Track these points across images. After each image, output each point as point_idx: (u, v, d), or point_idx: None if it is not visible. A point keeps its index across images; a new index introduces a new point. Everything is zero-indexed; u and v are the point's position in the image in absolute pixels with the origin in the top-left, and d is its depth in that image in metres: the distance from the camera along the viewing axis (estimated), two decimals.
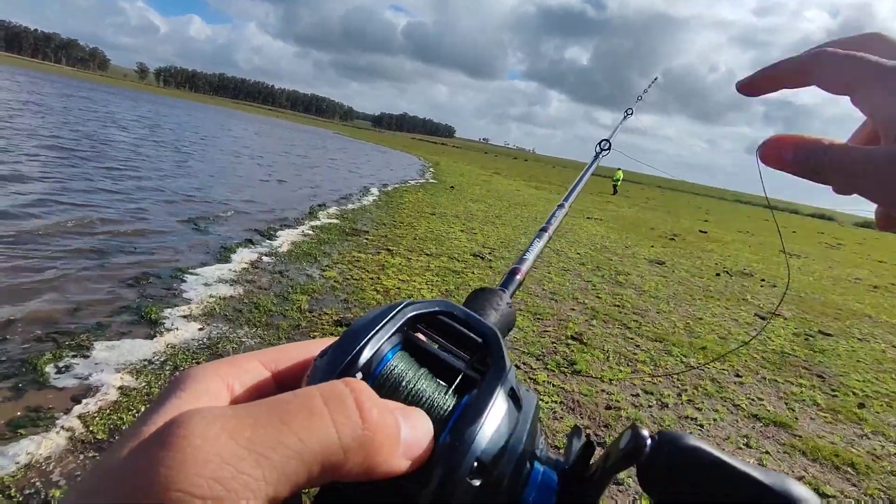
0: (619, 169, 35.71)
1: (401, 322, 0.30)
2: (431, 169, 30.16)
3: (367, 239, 7.29)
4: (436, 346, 0.32)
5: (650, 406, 3.49)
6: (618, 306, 5.90)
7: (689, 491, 0.25)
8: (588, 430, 3.01)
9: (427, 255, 6.83)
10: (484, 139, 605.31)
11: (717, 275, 9.17)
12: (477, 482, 0.24)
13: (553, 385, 3.54)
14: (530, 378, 3.59)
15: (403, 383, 0.28)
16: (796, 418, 3.66)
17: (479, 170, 37.86)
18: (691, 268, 9.48)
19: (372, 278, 5.34)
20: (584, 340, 4.51)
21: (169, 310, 3.78)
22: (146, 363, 3.06)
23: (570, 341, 4.45)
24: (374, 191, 14.14)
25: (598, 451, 0.28)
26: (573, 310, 5.45)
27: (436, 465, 0.24)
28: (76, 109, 23.20)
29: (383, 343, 0.29)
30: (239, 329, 3.66)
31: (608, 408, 3.34)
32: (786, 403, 3.91)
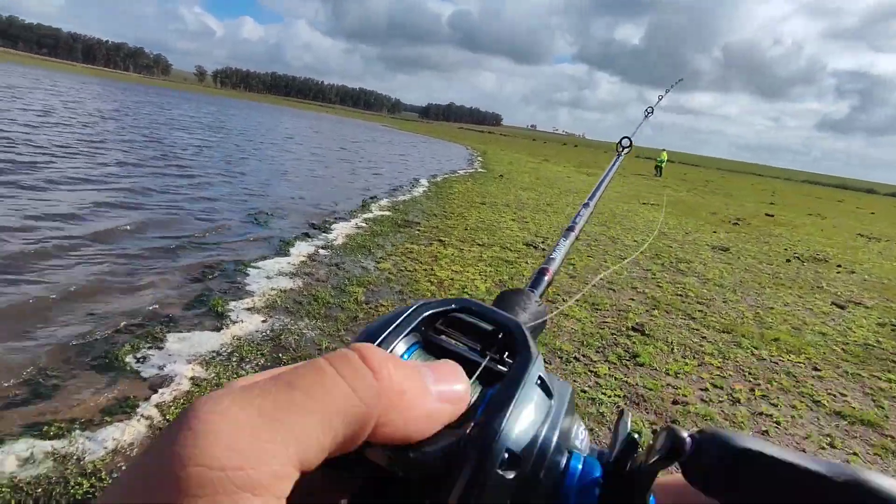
0: (664, 150, 34.35)
1: (416, 321, 0.29)
2: (479, 158, 29.99)
3: (418, 230, 7.32)
4: (456, 344, 0.31)
5: (720, 401, 3.31)
6: (680, 295, 5.65)
7: (743, 491, 0.24)
8: (654, 426, 2.89)
9: (479, 245, 6.79)
10: (531, 126, 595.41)
11: (788, 261, 8.61)
12: (511, 475, 0.23)
13: (615, 378, 3.42)
14: (591, 371, 3.49)
15: None
16: (887, 416, 3.37)
17: (527, 157, 37.30)
18: (758, 254, 8.95)
19: (425, 269, 5.35)
20: (646, 332, 4.33)
21: (234, 302, 3.93)
22: (214, 354, 3.20)
23: (631, 333, 4.30)
24: (424, 182, 14.20)
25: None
26: (633, 300, 5.26)
27: (464, 459, 0.22)
28: (143, 114, 24.58)
29: (398, 343, 0.28)
30: (300, 321, 3.76)
31: (675, 402, 3.20)
32: (873, 400, 3.61)
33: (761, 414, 3.20)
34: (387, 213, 8.50)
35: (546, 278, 0.59)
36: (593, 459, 0.27)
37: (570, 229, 0.75)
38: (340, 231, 6.69)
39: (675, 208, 14.81)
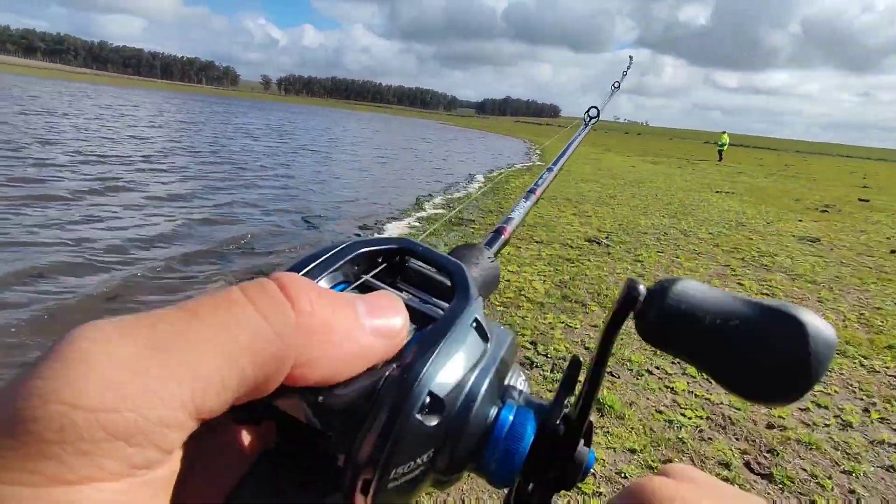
0: (725, 132, 32.14)
1: (347, 257, 0.27)
2: (537, 151, 29.25)
3: (473, 228, 7.04)
4: (391, 288, 0.28)
5: (826, 425, 2.81)
6: (766, 294, 5.03)
7: (693, 328, 0.24)
8: (746, 456, 2.46)
9: (537, 242, 6.42)
10: None
11: (893, 252, 7.59)
12: (432, 421, 0.21)
13: (696, 396, 2.99)
14: (666, 387, 3.08)
15: None
16: None
17: (587, 148, 35.96)
18: (855, 244, 7.96)
19: None
20: None
21: None
22: None
23: None
24: (479, 177, 13.90)
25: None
26: None
27: (380, 402, 0.20)
28: (216, 123, 25.89)
29: (324, 277, 0.25)
30: None
31: (770, 427, 2.73)
32: None
33: (882, 443, 2.67)
34: (441, 210, 8.29)
35: (503, 237, 0.58)
36: (527, 410, 0.26)
37: (532, 191, 0.75)
38: (393, 231, 6.55)
39: (753, 196, 13.64)
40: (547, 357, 3.36)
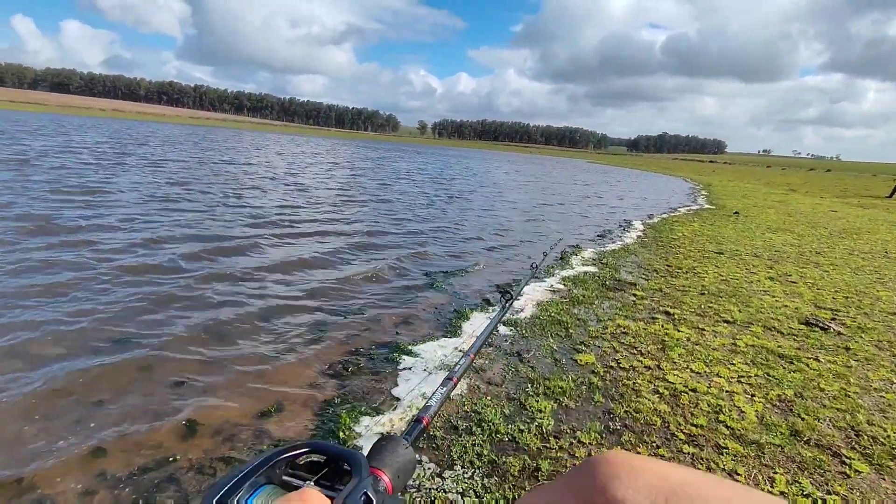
0: None
1: (264, 467, 0.39)
2: (703, 191, 25.81)
3: (634, 295, 5.51)
4: (306, 482, 0.41)
5: None
6: None
7: None
8: None
9: (727, 322, 4.68)
10: (764, 151, 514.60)
11: None
12: None
13: None
14: None
15: None
16: None
17: (765, 188, 31.07)
18: None
19: (649, 368, 3.59)
20: None
21: (367, 420, 2.83)
22: None
23: None
24: (637, 224, 12.03)
25: None
26: None
27: None
28: (375, 168, 27.45)
29: (242, 490, 0.37)
30: (448, 470, 2.44)
31: None
32: None
33: None
34: (591, 268, 6.85)
35: (421, 426, 0.62)
36: None
37: (449, 378, 0.75)
38: (530, 297, 5.31)
39: None
40: None
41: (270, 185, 14.14)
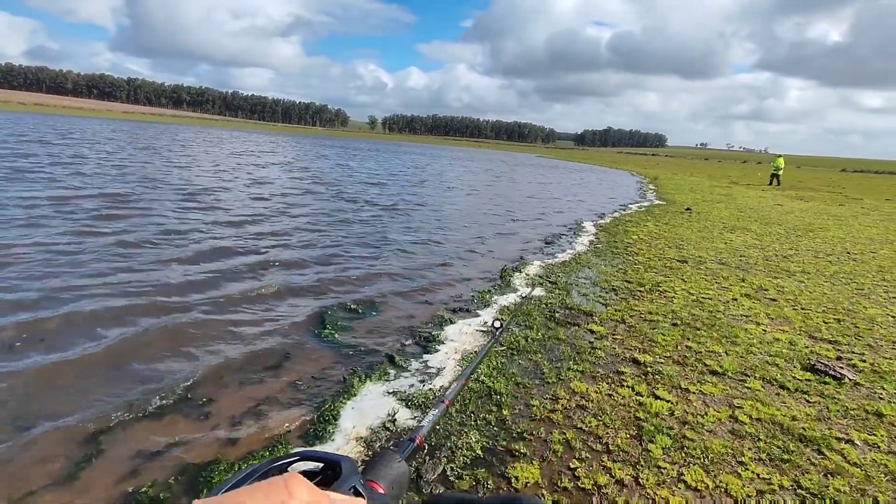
0: (780, 156, 28.55)
1: (262, 471, 0.42)
2: (651, 186, 25.43)
3: (591, 331, 4.26)
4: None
5: None
6: None
7: None
8: None
9: (716, 373, 3.50)
10: (701, 144, 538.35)
11: None
12: None
13: None
14: None
15: None
16: None
17: (709, 181, 31.27)
18: None
19: (623, 486, 2.29)
20: None
21: None
22: None
23: None
24: (588, 225, 10.94)
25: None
26: None
27: None
28: (327, 167, 25.46)
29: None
30: None
31: None
32: None
33: None
34: (537, 290, 5.57)
35: (414, 444, 0.63)
36: None
37: (442, 401, 0.77)
38: (454, 345, 3.92)
39: None
40: None
41: (172, 195, 12.16)
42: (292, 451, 0.46)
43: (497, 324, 1.29)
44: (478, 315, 4.63)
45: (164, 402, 2.86)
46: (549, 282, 5.90)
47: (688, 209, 14.41)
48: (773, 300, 5.47)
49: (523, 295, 5.30)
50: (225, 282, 5.15)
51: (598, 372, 3.48)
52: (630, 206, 15.66)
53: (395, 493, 0.50)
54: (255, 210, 9.74)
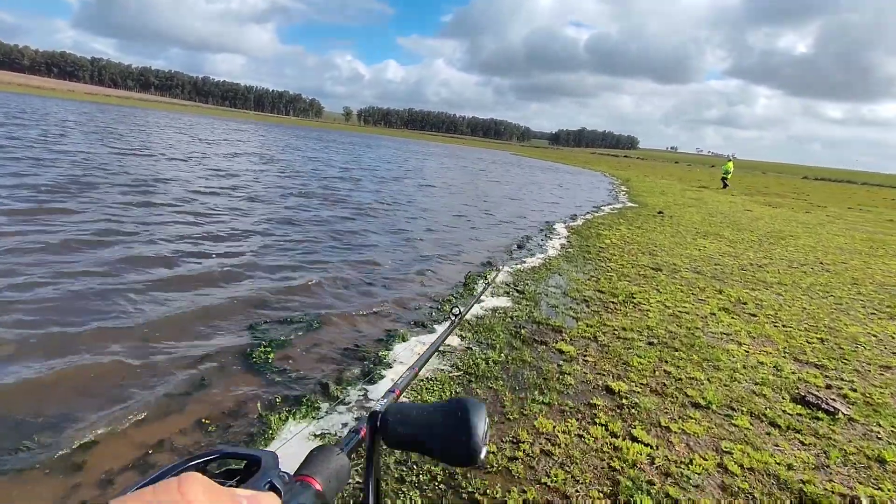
0: (730, 159, 28.93)
1: (177, 469, 0.37)
2: (623, 188, 25.36)
3: (560, 351, 3.81)
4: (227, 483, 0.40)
5: None
6: None
7: (411, 430, 0.52)
8: None
9: (699, 407, 3.08)
10: (672, 148, 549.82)
11: None
12: None
13: None
14: None
15: None
16: None
17: (679, 184, 31.50)
18: None
19: None
20: None
21: None
22: None
23: None
24: (560, 228, 10.55)
25: None
26: None
27: None
28: (299, 158, 24.45)
29: None
30: None
31: None
32: None
33: None
34: (502, 300, 5.10)
35: (358, 437, 0.60)
36: None
37: (392, 391, 0.73)
38: (402, 368, 3.42)
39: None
40: None
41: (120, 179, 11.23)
42: (212, 449, 0.41)
43: (456, 311, 1.20)
44: (434, 330, 4.12)
45: (31, 455, 2.26)
46: (517, 291, 5.43)
47: (660, 213, 14.23)
48: (753, 315, 5.13)
49: (490, 308, 4.81)
50: (147, 290, 4.49)
51: (566, 405, 3.01)
52: (603, 207, 15.40)
53: (334, 486, 0.47)
54: (206, 206, 8.99)
